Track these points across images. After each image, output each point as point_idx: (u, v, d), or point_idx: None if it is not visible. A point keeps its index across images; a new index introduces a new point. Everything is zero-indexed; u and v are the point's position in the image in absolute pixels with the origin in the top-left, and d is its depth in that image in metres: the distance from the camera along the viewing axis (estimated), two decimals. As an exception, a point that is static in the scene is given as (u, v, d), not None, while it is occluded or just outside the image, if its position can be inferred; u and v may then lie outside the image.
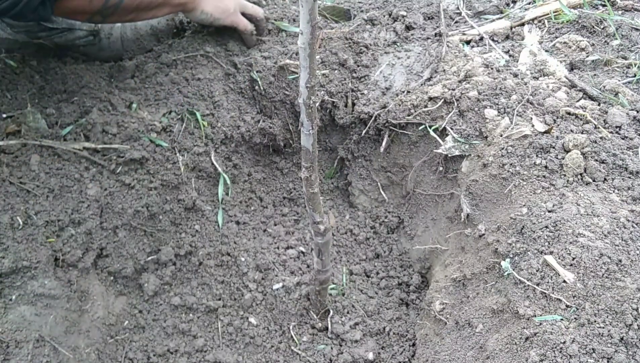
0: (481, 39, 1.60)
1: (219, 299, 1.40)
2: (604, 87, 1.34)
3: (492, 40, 1.58)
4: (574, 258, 1.02)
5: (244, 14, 1.53)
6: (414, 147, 1.48)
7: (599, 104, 1.30)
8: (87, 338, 1.22)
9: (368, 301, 1.43)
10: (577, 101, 1.32)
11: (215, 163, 1.46)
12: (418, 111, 1.40)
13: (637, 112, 1.27)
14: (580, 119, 1.26)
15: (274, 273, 1.44)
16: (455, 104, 1.36)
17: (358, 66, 1.58)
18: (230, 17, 1.49)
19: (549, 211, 1.10)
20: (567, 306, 0.98)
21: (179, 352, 1.32)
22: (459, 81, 1.40)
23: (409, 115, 1.42)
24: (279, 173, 1.65)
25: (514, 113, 1.28)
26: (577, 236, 1.04)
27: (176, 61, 1.51)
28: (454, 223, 1.37)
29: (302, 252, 1.50)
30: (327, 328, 1.36)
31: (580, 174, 1.16)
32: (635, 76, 1.39)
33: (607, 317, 0.95)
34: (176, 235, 1.41)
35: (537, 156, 1.20)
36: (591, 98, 1.32)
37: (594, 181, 1.16)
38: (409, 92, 1.47)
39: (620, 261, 0.99)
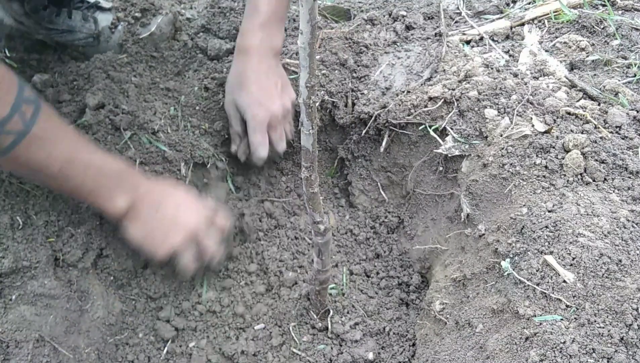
0: (481, 39, 1.60)
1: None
2: (604, 87, 1.34)
3: (492, 40, 1.58)
4: (574, 258, 1.02)
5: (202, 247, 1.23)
6: (414, 147, 1.48)
7: (599, 104, 1.30)
8: (87, 338, 1.22)
9: (368, 301, 1.43)
10: (577, 101, 1.32)
11: (218, 164, 1.46)
12: (418, 111, 1.40)
13: (637, 112, 1.27)
14: (580, 119, 1.26)
15: (274, 273, 1.44)
16: (455, 104, 1.36)
17: (358, 65, 1.58)
18: (165, 252, 1.19)
19: (549, 211, 1.10)
20: (567, 306, 0.98)
21: (177, 353, 1.32)
22: (459, 81, 1.40)
23: (409, 115, 1.42)
24: (279, 173, 1.65)
25: (514, 113, 1.28)
26: (577, 236, 1.04)
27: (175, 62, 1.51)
28: (454, 223, 1.37)
29: (302, 252, 1.50)
30: (327, 328, 1.36)
31: (580, 174, 1.16)
32: (635, 76, 1.39)
33: (607, 317, 0.95)
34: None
35: (537, 156, 1.20)
36: (591, 98, 1.32)
37: (594, 181, 1.16)
38: (409, 92, 1.47)
39: (620, 261, 0.99)
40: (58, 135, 1.04)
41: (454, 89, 1.38)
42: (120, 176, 1.14)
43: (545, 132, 1.23)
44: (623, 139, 1.22)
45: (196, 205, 1.24)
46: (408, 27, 1.66)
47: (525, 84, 1.37)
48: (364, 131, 1.53)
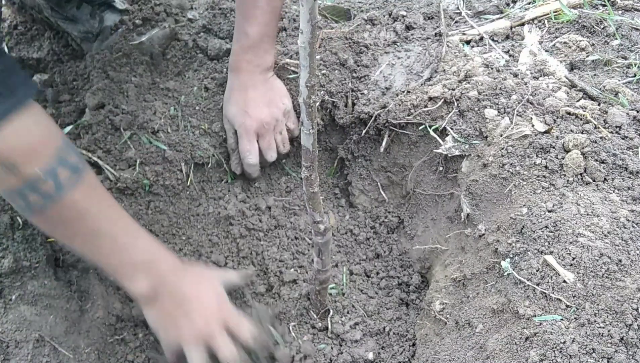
0: (481, 39, 1.60)
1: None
2: (604, 87, 1.34)
3: (492, 40, 1.58)
4: (574, 258, 1.02)
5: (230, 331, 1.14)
6: (414, 147, 1.48)
7: (599, 104, 1.30)
8: (87, 338, 1.22)
9: (368, 301, 1.43)
10: (577, 101, 1.32)
11: (220, 164, 1.46)
12: (418, 111, 1.40)
13: (637, 112, 1.27)
14: (580, 119, 1.26)
15: (274, 273, 1.44)
16: (455, 104, 1.36)
17: (358, 65, 1.58)
18: (173, 349, 1.13)
19: (549, 211, 1.10)
20: (567, 306, 0.98)
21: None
22: (459, 81, 1.40)
23: (409, 115, 1.42)
24: (279, 173, 1.65)
25: (514, 113, 1.28)
26: (577, 236, 1.04)
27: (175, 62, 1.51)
28: (454, 223, 1.37)
29: (302, 252, 1.50)
30: (327, 328, 1.36)
31: (580, 174, 1.16)
32: (635, 76, 1.39)
33: (607, 317, 0.95)
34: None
35: (537, 156, 1.20)
36: (591, 98, 1.32)
37: (594, 181, 1.16)
38: (409, 92, 1.46)
39: (620, 261, 0.99)
40: (91, 209, 1.01)
41: (454, 89, 1.38)
42: (148, 261, 1.10)
43: (545, 132, 1.23)
44: (623, 139, 1.22)
45: (214, 305, 1.16)
46: (408, 27, 1.66)
47: (525, 84, 1.37)
48: (364, 131, 1.53)
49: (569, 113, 1.26)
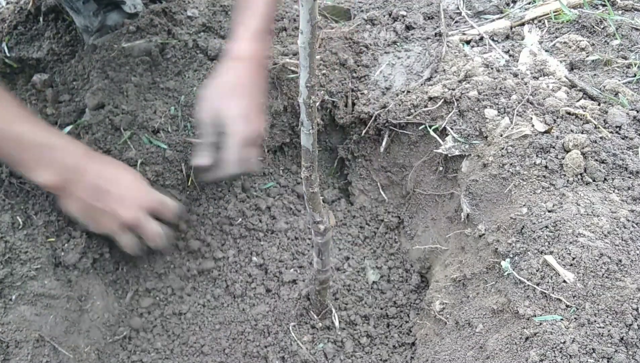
0: (481, 39, 1.60)
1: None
2: (604, 87, 1.34)
3: (492, 40, 1.58)
4: (574, 258, 1.02)
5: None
6: (414, 147, 1.48)
7: (599, 104, 1.30)
8: (87, 338, 1.22)
9: (368, 301, 1.42)
10: (577, 100, 1.32)
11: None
12: (418, 111, 1.40)
13: (637, 112, 1.27)
14: (580, 119, 1.26)
15: (274, 273, 1.44)
16: (455, 104, 1.36)
17: (358, 65, 1.58)
18: (100, 233, 1.22)
19: (549, 211, 1.10)
20: (567, 306, 0.98)
21: (180, 352, 1.32)
22: (459, 81, 1.40)
23: (409, 115, 1.42)
24: (279, 173, 1.65)
25: (514, 113, 1.28)
26: (577, 236, 1.04)
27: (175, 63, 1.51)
28: (454, 223, 1.37)
29: (302, 252, 1.50)
30: (327, 328, 1.36)
31: (580, 174, 1.16)
32: (635, 75, 1.39)
33: (607, 317, 0.95)
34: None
35: (537, 156, 1.20)
36: (591, 98, 1.32)
37: (594, 181, 1.16)
38: (409, 92, 1.47)
39: (620, 261, 0.99)
40: None
41: (454, 89, 1.38)
42: (41, 151, 1.12)
43: (545, 132, 1.23)
44: (623, 139, 1.22)
45: (133, 190, 1.22)
46: (408, 27, 1.66)
47: (525, 84, 1.37)
48: (364, 131, 1.53)
49: (569, 113, 1.26)
